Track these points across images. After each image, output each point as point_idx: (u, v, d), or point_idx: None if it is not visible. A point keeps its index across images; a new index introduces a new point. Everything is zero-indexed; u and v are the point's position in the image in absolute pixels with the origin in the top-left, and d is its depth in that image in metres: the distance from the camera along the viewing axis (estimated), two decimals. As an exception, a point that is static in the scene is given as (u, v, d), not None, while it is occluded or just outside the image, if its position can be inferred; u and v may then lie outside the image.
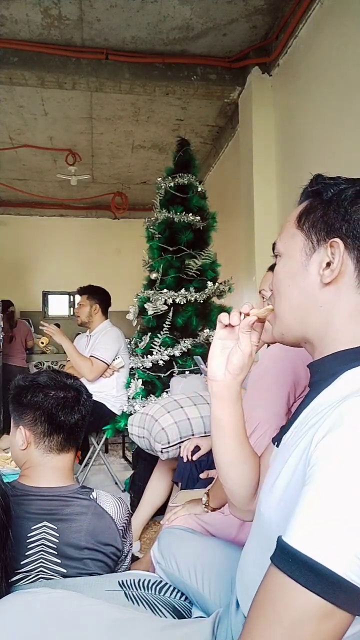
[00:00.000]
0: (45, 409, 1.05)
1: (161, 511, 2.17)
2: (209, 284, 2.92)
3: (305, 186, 0.74)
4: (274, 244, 0.77)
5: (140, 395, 2.75)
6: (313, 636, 0.48)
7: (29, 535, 0.98)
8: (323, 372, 0.68)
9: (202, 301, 2.92)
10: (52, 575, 0.97)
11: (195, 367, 2.70)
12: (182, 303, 2.86)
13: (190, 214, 3.02)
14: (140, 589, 0.98)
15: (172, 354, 2.77)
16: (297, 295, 0.71)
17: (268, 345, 1.40)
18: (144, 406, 2.48)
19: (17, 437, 1.08)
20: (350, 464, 0.50)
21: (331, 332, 0.68)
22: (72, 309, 7.53)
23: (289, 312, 0.73)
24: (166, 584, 1.06)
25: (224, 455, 0.84)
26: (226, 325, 0.79)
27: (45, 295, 7.59)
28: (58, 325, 2.91)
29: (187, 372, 2.76)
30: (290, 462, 0.61)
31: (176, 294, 2.85)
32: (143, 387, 2.78)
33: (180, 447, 1.90)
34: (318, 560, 0.48)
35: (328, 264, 0.67)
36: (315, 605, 0.48)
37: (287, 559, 0.50)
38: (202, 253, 3.04)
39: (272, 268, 1.52)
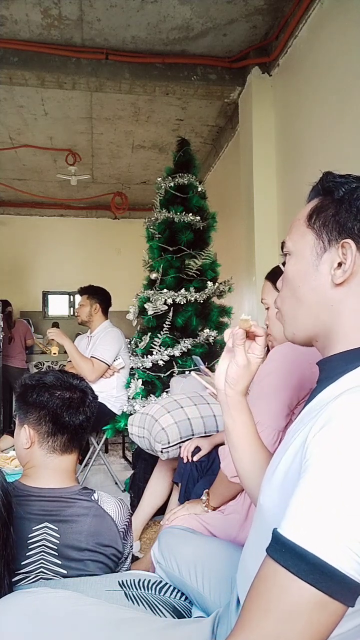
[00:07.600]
0: (50, 409, 1.05)
1: (161, 511, 2.17)
2: (209, 284, 2.92)
3: (314, 183, 0.74)
4: (282, 242, 0.76)
5: (140, 395, 2.75)
6: (306, 625, 0.49)
7: (30, 536, 0.97)
8: (330, 369, 0.68)
9: (202, 301, 2.92)
10: (53, 576, 0.97)
11: (195, 368, 2.70)
12: (182, 303, 2.86)
13: (190, 214, 3.02)
14: (140, 589, 0.98)
15: (172, 354, 2.77)
16: (307, 295, 0.71)
17: (268, 350, 1.39)
18: (144, 406, 2.48)
19: (21, 435, 1.08)
20: (340, 459, 0.51)
21: (341, 331, 0.69)
22: (72, 309, 7.53)
23: (299, 311, 0.72)
24: (166, 584, 1.06)
25: (241, 462, 0.85)
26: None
27: (45, 295, 7.59)
28: (57, 325, 2.90)
29: (187, 372, 2.76)
30: (289, 453, 0.63)
31: (176, 294, 2.85)
32: (143, 387, 2.78)
33: (180, 447, 1.90)
34: (310, 550, 0.49)
35: (339, 264, 0.67)
36: (307, 594, 0.49)
37: (281, 549, 0.51)
38: (202, 253, 3.04)
39: (269, 277, 1.48)
